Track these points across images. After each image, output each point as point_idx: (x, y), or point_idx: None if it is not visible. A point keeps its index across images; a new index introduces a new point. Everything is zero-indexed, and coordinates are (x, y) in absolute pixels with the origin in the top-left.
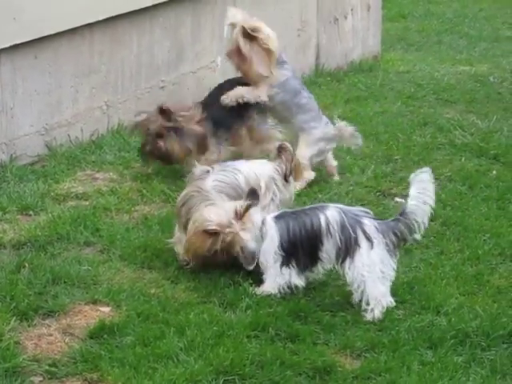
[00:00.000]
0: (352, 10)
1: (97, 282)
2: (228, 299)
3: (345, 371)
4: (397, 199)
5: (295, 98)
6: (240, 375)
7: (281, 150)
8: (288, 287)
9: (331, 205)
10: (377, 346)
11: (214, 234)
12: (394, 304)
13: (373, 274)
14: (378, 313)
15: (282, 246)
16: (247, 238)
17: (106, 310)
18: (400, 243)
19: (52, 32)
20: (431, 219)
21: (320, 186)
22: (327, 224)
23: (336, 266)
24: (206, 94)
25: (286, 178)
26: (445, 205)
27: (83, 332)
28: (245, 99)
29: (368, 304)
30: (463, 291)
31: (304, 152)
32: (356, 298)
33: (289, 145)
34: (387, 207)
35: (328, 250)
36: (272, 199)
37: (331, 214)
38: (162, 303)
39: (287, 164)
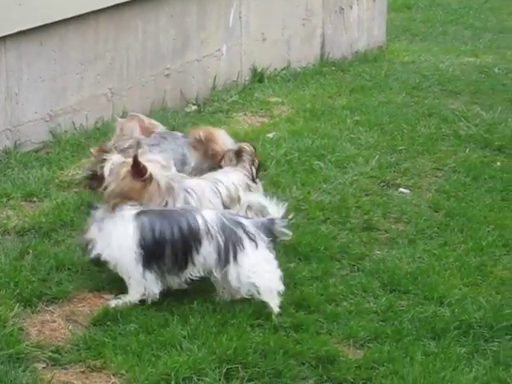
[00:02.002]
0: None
1: (100, 269)
2: None
3: (348, 361)
4: (401, 189)
5: None
6: (243, 364)
7: (241, 152)
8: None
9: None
10: (380, 336)
11: None
12: (283, 290)
13: (259, 273)
14: (275, 306)
15: (141, 245)
16: None
17: (110, 297)
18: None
19: (58, 19)
20: (435, 210)
21: (324, 176)
22: (206, 225)
23: (215, 272)
24: None
25: (253, 180)
26: (449, 196)
27: (87, 319)
28: None
29: (263, 299)
30: (467, 282)
31: None
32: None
33: (247, 145)
34: (391, 197)
35: (207, 253)
36: (249, 206)
37: (208, 215)
38: (166, 291)
39: (251, 165)
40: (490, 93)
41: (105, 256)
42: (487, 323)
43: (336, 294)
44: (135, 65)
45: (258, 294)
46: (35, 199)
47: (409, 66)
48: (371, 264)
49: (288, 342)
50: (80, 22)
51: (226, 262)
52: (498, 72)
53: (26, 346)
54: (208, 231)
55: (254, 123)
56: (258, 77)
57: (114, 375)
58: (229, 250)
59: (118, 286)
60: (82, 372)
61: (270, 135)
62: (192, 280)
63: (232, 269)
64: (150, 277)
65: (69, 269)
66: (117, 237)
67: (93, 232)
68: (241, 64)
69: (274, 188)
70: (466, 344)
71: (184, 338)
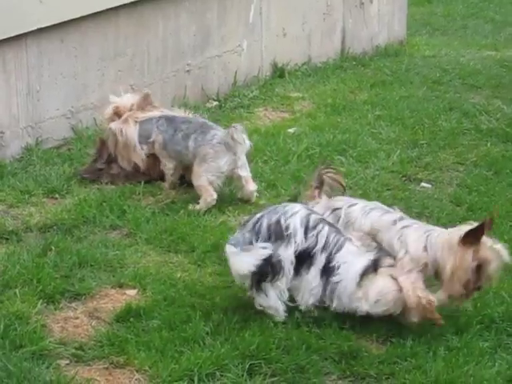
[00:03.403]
0: None
1: (123, 265)
2: None
3: (371, 356)
4: (423, 184)
5: None
6: (266, 359)
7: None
8: None
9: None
10: (403, 331)
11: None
12: None
13: None
14: None
15: None
16: None
17: (133, 293)
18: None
19: (78, 15)
20: (457, 204)
21: (346, 171)
22: None
23: None
24: None
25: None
26: (470, 190)
27: (109, 315)
28: None
29: None
30: None
31: None
32: None
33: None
34: (413, 192)
35: None
36: None
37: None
38: (188, 287)
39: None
40: (511, 87)
41: None
42: (510, 317)
43: None
44: (156, 61)
45: None
46: (57, 196)
47: (429, 60)
48: None
49: (311, 338)
50: (100, 18)
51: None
52: None
53: (49, 342)
54: None
55: (274, 118)
56: (278, 72)
57: (137, 371)
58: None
59: (141, 281)
60: (106, 368)
61: (291, 130)
62: None
63: None
64: None
65: (91, 265)
66: None
67: None
68: (261, 59)
69: (295, 183)
70: (489, 339)
71: (207, 334)
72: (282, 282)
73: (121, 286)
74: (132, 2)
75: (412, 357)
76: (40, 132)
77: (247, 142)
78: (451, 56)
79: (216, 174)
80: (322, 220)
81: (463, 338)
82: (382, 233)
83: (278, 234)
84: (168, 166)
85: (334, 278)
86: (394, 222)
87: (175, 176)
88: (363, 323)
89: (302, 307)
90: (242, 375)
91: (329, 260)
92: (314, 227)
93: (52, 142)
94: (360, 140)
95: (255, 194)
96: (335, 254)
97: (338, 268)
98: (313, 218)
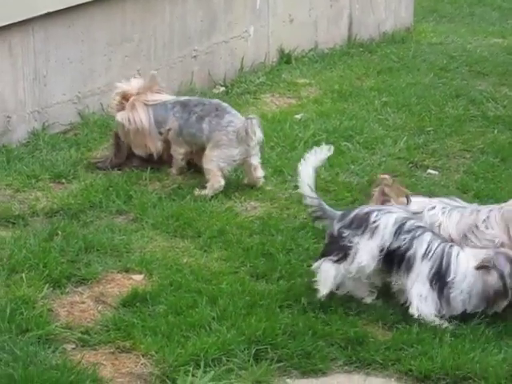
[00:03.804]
0: None
1: (129, 250)
2: (260, 269)
3: (377, 342)
4: (429, 171)
5: None
6: (272, 345)
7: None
8: None
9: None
10: (409, 317)
11: None
12: None
13: None
14: None
15: None
16: None
17: (139, 278)
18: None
19: (85, 1)
20: (463, 191)
21: (352, 157)
22: None
23: None
24: None
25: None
26: (477, 177)
27: (116, 300)
28: None
29: None
30: None
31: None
32: None
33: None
34: (420, 179)
35: None
36: None
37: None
38: (195, 272)
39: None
40: None
41: None
42: None
43: None
44: (163, 46)
45: None
46: (64, 181)
47: (436, 47)
48: None
49: (317, 323)
50: (107, 3)
51: None
52: None
53: (56, 327)
54: None
55: (281, 104)
56: (285, 58)
57: (143, 356)
58: None
59: (147, 266)
60: (112, 353)
61: (298, 116)
62: None
63: None
64: None
65: (98, 250)
66: None
67: None
68: (268, 45)
69: None
70: (495, 325)
71: (213, 319)
72: (345, 267)
73: (127, 271)
74: None
75: (418, 343)
76: (47, 117)
77: (259, 136)
78: (458, 43)
79: (227, 161)
80: (423, 227)
81: (469, 324)
82: (470, 233)
83: (360, 223)
84: (179, 151)
85: (450, 291)
86: (476, 216)
87: (184, 161)
88: (369, 309)
89: (414, 313)
90: (248, 360)
91: (438, 270)
92: (409, 231)
93: (59, 126)
94: (367, 126)
95: (262, 180)
96: (447, 264)
97: (453, 284)
98: (411, 222)
